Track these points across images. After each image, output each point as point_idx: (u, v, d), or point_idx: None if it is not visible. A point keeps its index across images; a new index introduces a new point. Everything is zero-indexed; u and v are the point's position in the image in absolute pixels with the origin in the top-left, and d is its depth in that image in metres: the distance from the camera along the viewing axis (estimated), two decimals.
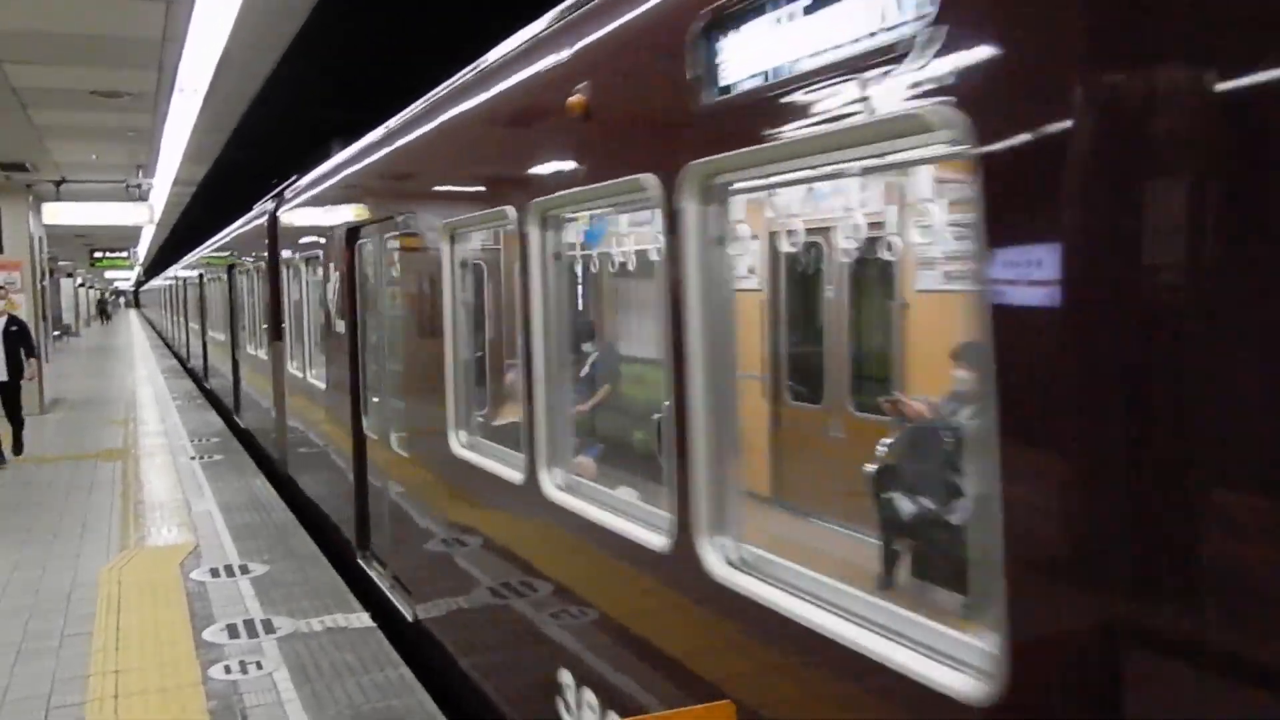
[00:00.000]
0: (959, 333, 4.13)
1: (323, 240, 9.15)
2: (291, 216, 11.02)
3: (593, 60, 3.89)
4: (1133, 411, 1.81)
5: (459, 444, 5.53)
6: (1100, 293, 1.86)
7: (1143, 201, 1.78)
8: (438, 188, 6.11)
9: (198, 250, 26.20)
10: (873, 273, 6.93)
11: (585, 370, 6.58)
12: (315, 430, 10.03)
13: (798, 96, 2.61)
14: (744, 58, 2.84)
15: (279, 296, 11.97)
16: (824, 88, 2.51)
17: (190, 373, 27.14)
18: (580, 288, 6.69)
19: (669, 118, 3.32)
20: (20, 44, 9.45)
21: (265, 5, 8.62)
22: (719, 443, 3.16)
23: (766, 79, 2.75)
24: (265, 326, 13.14)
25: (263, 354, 13.49)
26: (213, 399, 20.86)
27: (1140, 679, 1.83)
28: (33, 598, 7.57)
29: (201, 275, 23.69)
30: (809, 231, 6.79)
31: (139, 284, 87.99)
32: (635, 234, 6.42)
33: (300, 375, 10.68)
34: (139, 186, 18.62)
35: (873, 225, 6.23)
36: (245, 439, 15.32)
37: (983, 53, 2.08)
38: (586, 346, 6.70)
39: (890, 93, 2.28)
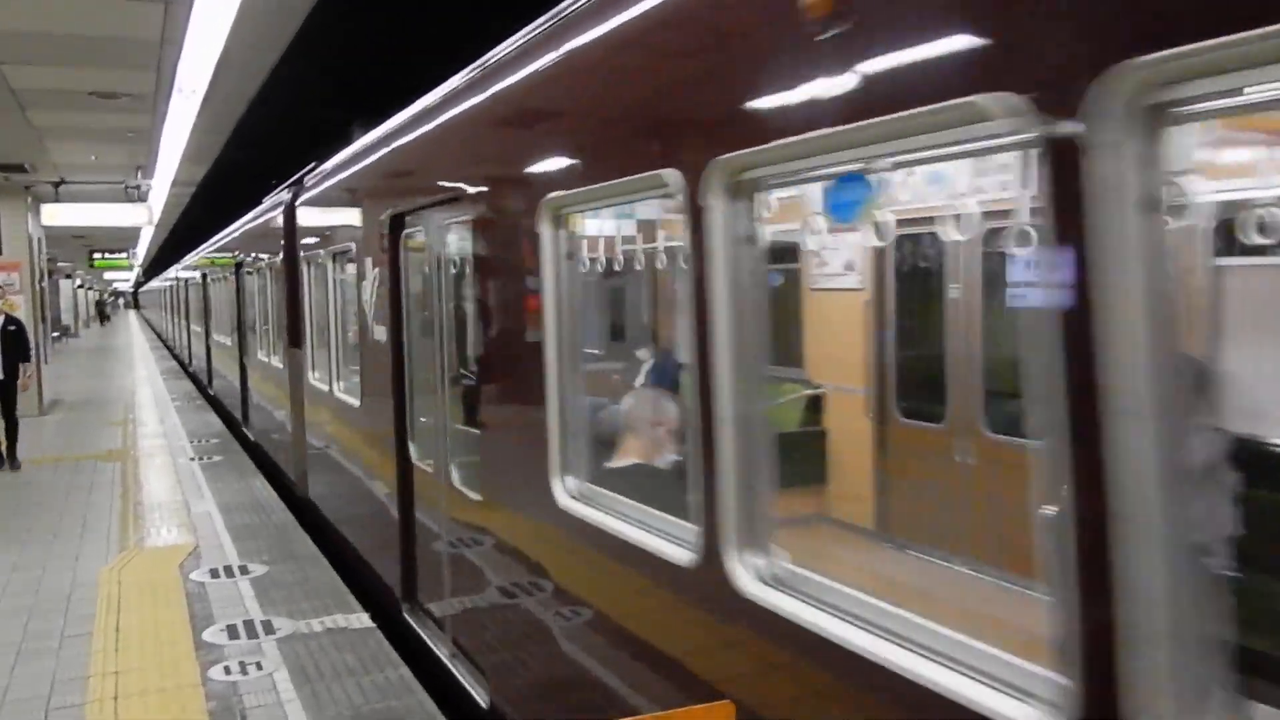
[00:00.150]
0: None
1: (356, 231, 7.79)
2: (314, 206, 9.78)
3: None
4: None
5: (567, 493, 4.16)
6: None
7: None
8: (535, 156, 4.44)
9: (201, 248, 24.70)
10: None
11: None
12: (342, 451, 8.74)
13: None
14: None
15: (298, 297, 10.63)
16: None
17: (193, 377, 26.15)
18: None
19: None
20: (19, 45, 9.44)
21: (264, 5, 8.62)
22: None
23: None
24: (280, 330, 11.83)
25: (277, 361, 12.26)
26: (218, 406, 19.75)
27: None
28: (32, 598, 7.56)
29: (205, 275, 22.19)
30: (925, 220, 5.25)
31: (138, 285, 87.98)
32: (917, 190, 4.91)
33: (324, 388, 9.31)
34: (138, 187, 18.63)
35: (1005, 214, 4.41)
36: (254, 450, 14.36)
37: None
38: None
39: None
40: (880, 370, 6.40)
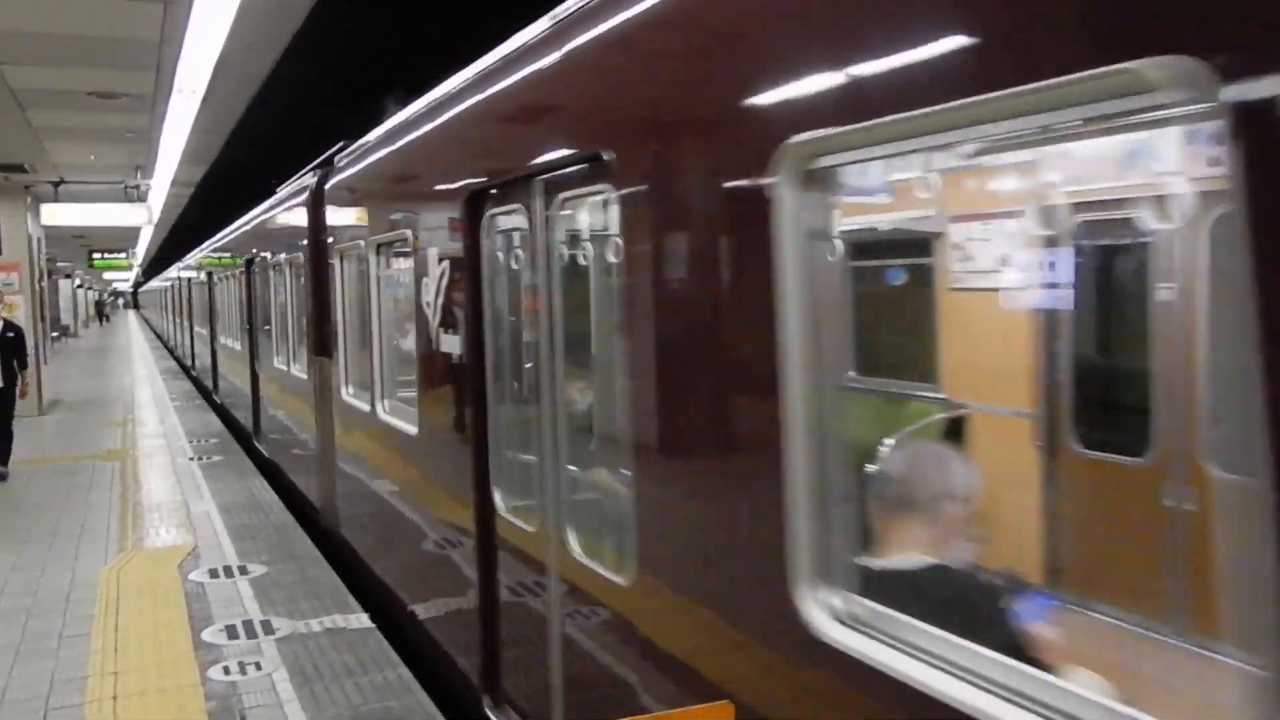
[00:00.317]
0: None
1: (413, 216, 6.31)
2: (350, 190, 8.22)
3: None
4: None
5: (827, 611, 2.59)
6: None
7: None
8: (768, 74, 2.76)
9: (208, 243, 22.80)
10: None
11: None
12: (389, 485, 7.15)
13: None
14: None
15: (326, 298, 9.02)
16: None
17: (196, 381, 25.14)
18: None
19: None
20: (18, 45, 9.44)
21: (264, 5, 8.62)
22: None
23: None
24: (302, 335, 10.33)
25: (298, 370, 10.70)
26: (225, 413, 18.34)
27: None
28: (31, 598, 7.56)
29: (211, 274, 20.45)
30: (1116, 203, 4.20)
31: (137, 285, 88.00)
32: None
33: (362, 407, 7.68)
34: (137, 187, 18.63)
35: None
36: (269, 467, 12.87)
37: None
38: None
39: None
40: (1052, 388, 4.92)
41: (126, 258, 37.96)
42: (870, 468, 3.17)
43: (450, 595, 5.77)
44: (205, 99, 11.96)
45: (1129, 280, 4.80)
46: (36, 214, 19.07)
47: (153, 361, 32.81)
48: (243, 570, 8.13)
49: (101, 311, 76.43)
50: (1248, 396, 1.63)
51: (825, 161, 2.51)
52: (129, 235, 32.42)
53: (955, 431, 4.98)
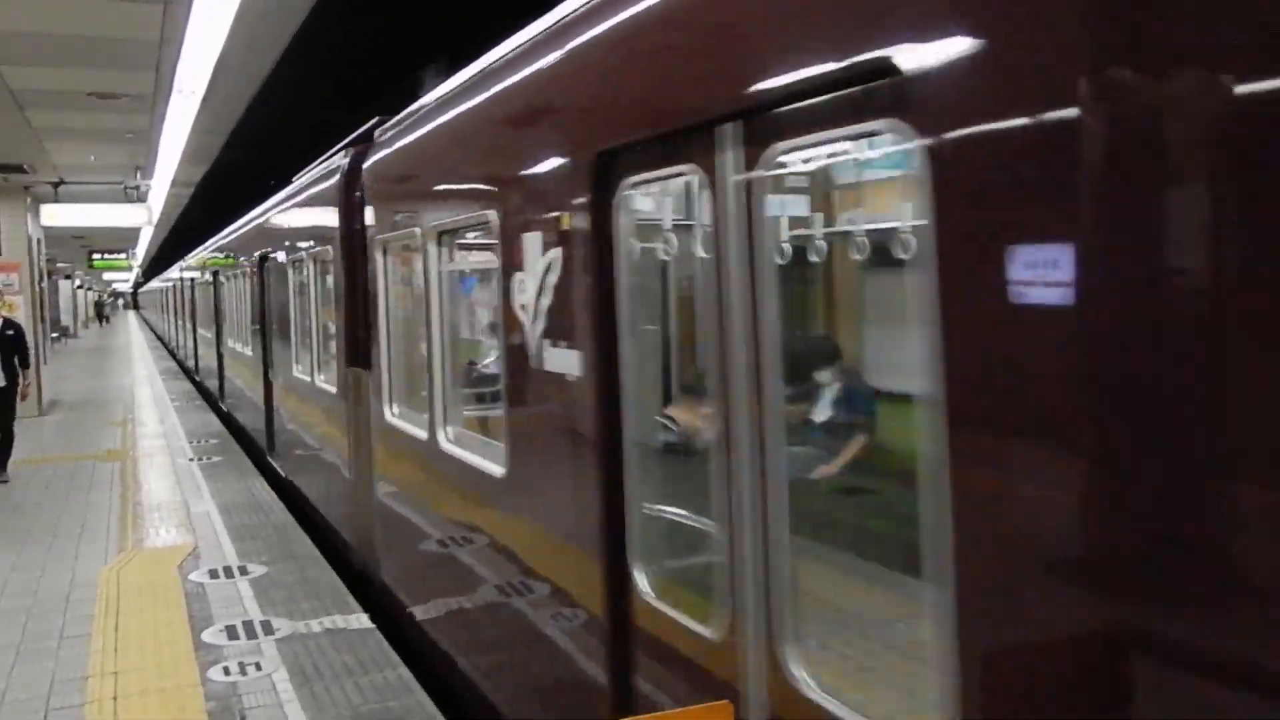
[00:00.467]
0: None
1: (495, 194, 4.90)
2: (399, 166, 6.87)
3: None
4: None
5: None
6: None
7: None
8: None
9: (215, 238, 21.04)
10: None
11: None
12: (460, 535, 5.60)
13: None
14: None
15: (363, 299, 7.53)
16: None
17: (199, 386, 24.09)
18: None
19: None
20: (18, 45, 9.45)
21: (264, 6, 8.62)
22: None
23: None
24: (328, 342, 9.14)
25: (324, 382, 9.32)
26: (231, 422, 17.10)
27: None
28: (31, 599, 7.56)
29: (216, 272, 18.91)
30: None
31: (137, 285, 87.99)
32: None
33: (418, 434, 6.21)
34: (137, 188, 18.62)
35: None
36: (288, 493, 11.37)
37: None
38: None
39: None
40: None
41: (126, 258, 37.96)
42: None
43: (561, 681, 4.27)
44: (205, 99, 11.97)
45: None
46: (36, 214, 19.08)
47: (152, 362, 32.82)
48: (243, 570, 8.13)
49: (101, 312, 76.43)
50: None
51: None
52: (129, 236, 32.43)
53: None
